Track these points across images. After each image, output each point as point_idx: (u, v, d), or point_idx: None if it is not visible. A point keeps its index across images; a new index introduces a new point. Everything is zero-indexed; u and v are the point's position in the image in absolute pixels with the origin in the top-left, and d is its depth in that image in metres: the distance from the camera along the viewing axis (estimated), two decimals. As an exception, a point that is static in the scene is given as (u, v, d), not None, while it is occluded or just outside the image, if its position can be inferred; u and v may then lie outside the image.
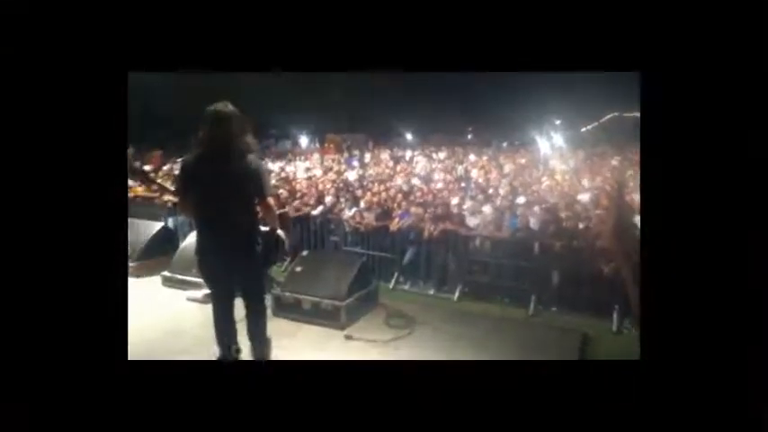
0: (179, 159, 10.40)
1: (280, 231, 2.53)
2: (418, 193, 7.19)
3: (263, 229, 2.48)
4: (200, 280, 3.85)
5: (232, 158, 2.37)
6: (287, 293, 4.26)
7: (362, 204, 7.03)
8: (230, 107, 2.43)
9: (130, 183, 7.02)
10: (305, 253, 5.10)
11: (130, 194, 7.05)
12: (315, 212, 7.05)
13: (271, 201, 2.53)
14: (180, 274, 4.86)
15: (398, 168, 10.62)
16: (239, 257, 2.44)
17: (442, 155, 14.16)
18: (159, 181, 6.98)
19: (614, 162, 11.09)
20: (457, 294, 5.90)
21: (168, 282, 4.97)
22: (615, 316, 5.05)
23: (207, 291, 3.55)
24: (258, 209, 2.47)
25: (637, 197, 6.85)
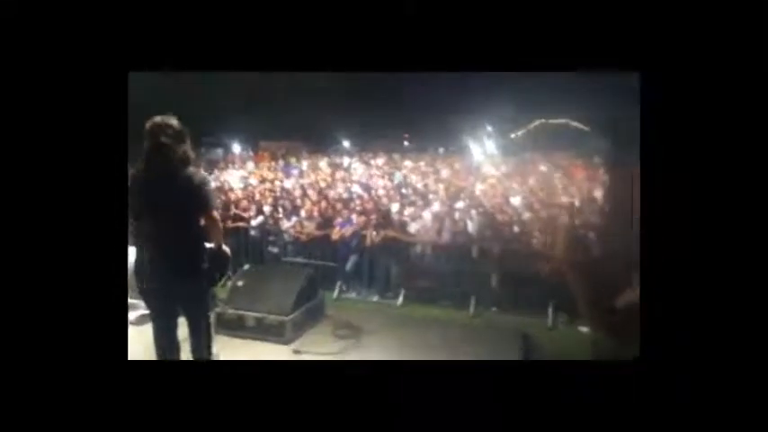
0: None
1: (225, 247, 2.43)
2: (358, 201, 7.19)
3: (208, 245, 2.37)
4: (132, 300, 3.60)
5: (174, 171, 2.26)
6: (229, 310, 4.09)
7: (303, 213, 6.92)
8: (171, 119, 2.32)
9: None
10: (246, 267, 4.93)
11: None
12: (253, 223, 6.84)
13: (216, 215, 2.42)
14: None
15: (337, 176, 10.56)
16: (183, 275, 2.32)
17: (380, 161, 14.27)
18: None
19: (542, 168, 11.71)
20: (401, 300, 5.96)
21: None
22: (550, 312, 5.33)
23: (141, 312, 3.34)
24: (202, 223, 2.36)
25: (564, 199, 7.25)
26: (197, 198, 2.29)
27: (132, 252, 4.30)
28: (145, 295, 2.46)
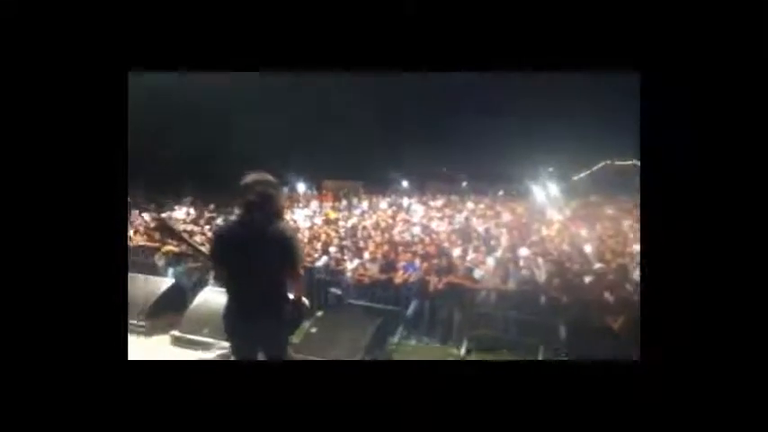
0: (214, 215, 10.38)
1: (305, 299, 2.54)
2: (419, 245, 7.22)
3: (290, 296, 2.49)
4: (210, 340, 3.78)
5: (268, 227, 2.41)
6: (301, 356, 4.18)
7: (366, 255, 7.03)
8: (268, 176, 2.50)
9: (158, 237, 6.98)
10: (320, 314, 5.04)
11: (159, 248, 7.00)
12: (318, 264, 7.02)
13: (301, 271, 2.55)
14: (191, 333, 4.75)
15: (398, 218, 10.69)
16: (266, 322, 2.43)
17: (439, 203, 14.31)
18: (196, 238, 6.92)
19: (609, 211, 11.26)
20: (463, 350, 5.82)
21: (178, 342, 4.85)
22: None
23: (219, 351, 3.49)
24: (287, 276, 2.49)
25: (636, 248, 6.87)
26: (287, 251, 2.41)
27: (202, 295, 4.52)
28: (231, 337, 2.59)
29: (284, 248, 2.40)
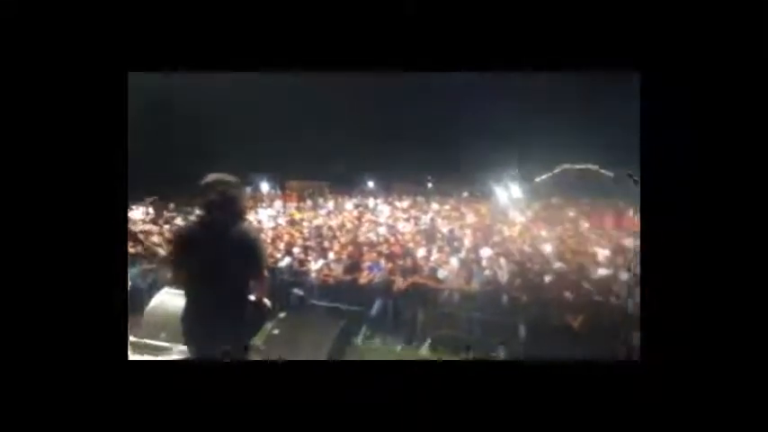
0: (173, 215, 9.94)
1: (267, 301, 2.47)
2: (385, 245, 7.22)
3: (251, 298, 2.42)
4: (168, 344, 3.64)
5: (230, 228, 2.34)
6: (262, 359, 4.09)
7: (331, 256, 6.97)
8: (229, 176, 2.44)
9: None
10: (282, 315, 4.95)
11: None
12: (281, 264, 6.91)
13: (265, 272, 2.48)
14: (147, 338, 4.55)
15: (364, 218, 10.66)
16: (227, 326, 2.36)
17: (405, 203, 14.38)
18: (153, 239, 6.64)
19: (570, 213, 11.60)
20: (425, 349, 5.85)
21: (134, 347, 4.64)
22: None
23: (178, 356, 3.37)
24: (250, 277, 2.42)
25: (596, 251, 7.08)
26: (250, 253, 2.35)
27: (157, 298, 4.35)
28: (188, 340, 2.50)
29: (247, 250, 2.34)
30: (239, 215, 2.43)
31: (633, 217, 9.73)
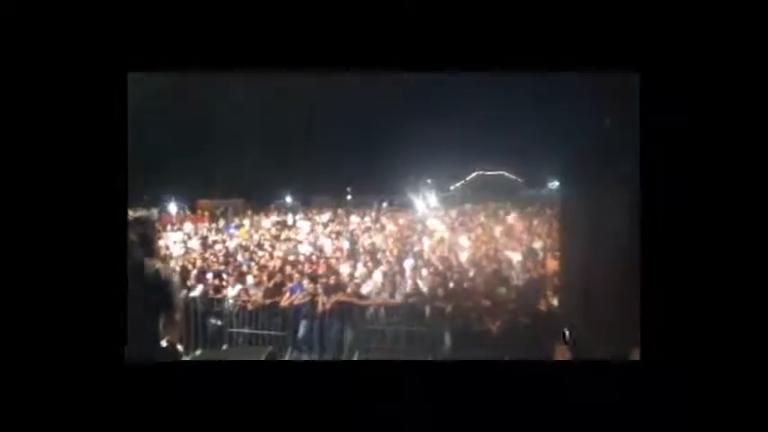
0: None
1: (179, 346, 2.27)
2: (307, 264, 7.03)
3: (163, 343, 2.21)
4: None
5: (143, 264, 2.15)
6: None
7: (249, 280, 6.64)
8: (144, 211, 2.26)
9: None
10: (198, 353, 4.57)
11: None
12: (194, 294, 6.44)
13: (177, 315, 2.29)
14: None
15: (282, 235, 10.35)
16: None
17: (324, 217, 14.20)
18: None
19: (482, 219, 12.14)
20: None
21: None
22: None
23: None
24: (160, 319, 2.22)
25: (509, 256, 7.41)
26: (162, 295, 2.18)
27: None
28: None
29: (159, 292, 2.15)
30: (153, 254, 2.34)
31: (543, 222, 10.36)
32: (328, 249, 8.58)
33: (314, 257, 7.52)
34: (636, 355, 1.90)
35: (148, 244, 2.31)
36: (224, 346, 5.74)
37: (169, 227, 13.50)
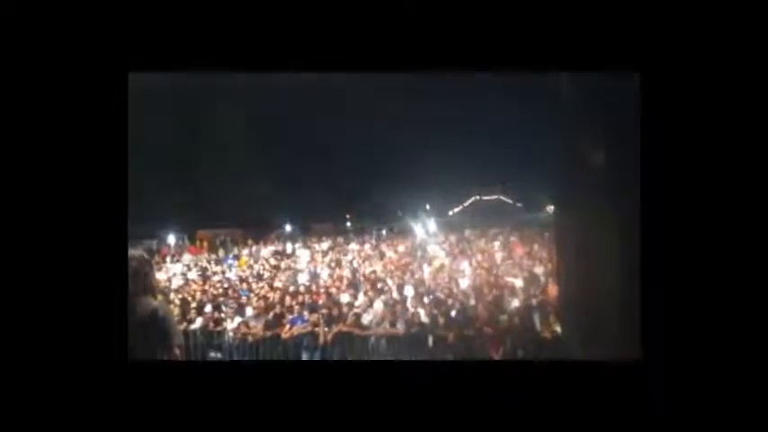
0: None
1: None
2: (307, 295, 6.98)
3: None
4: None
5: (137, 309, 2.17)
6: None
7: (249, 311, 6.59)
8: (136, 251, 2.28)
9: None
10: None
11: None
12: (194, 327, 6.39)
13: (177, 351, 2.28)
14: None
15: (282, 265, 10.30)
16: None
17: (324, 245, 14.17)
18: None
19: (481, 244, 12.11)
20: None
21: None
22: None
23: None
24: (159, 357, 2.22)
25: (512, 281, 7.39)
26: (161, 334, 2.18)
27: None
28: None
29: (157, 331, 2.15)
30: (148, 291, 2.32)
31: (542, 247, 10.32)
32: (328, 279, 8.53)
33: (314, 288, 7.47)
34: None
35: (145, 279, 2.31)
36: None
37: (168, 258, 13.45)
